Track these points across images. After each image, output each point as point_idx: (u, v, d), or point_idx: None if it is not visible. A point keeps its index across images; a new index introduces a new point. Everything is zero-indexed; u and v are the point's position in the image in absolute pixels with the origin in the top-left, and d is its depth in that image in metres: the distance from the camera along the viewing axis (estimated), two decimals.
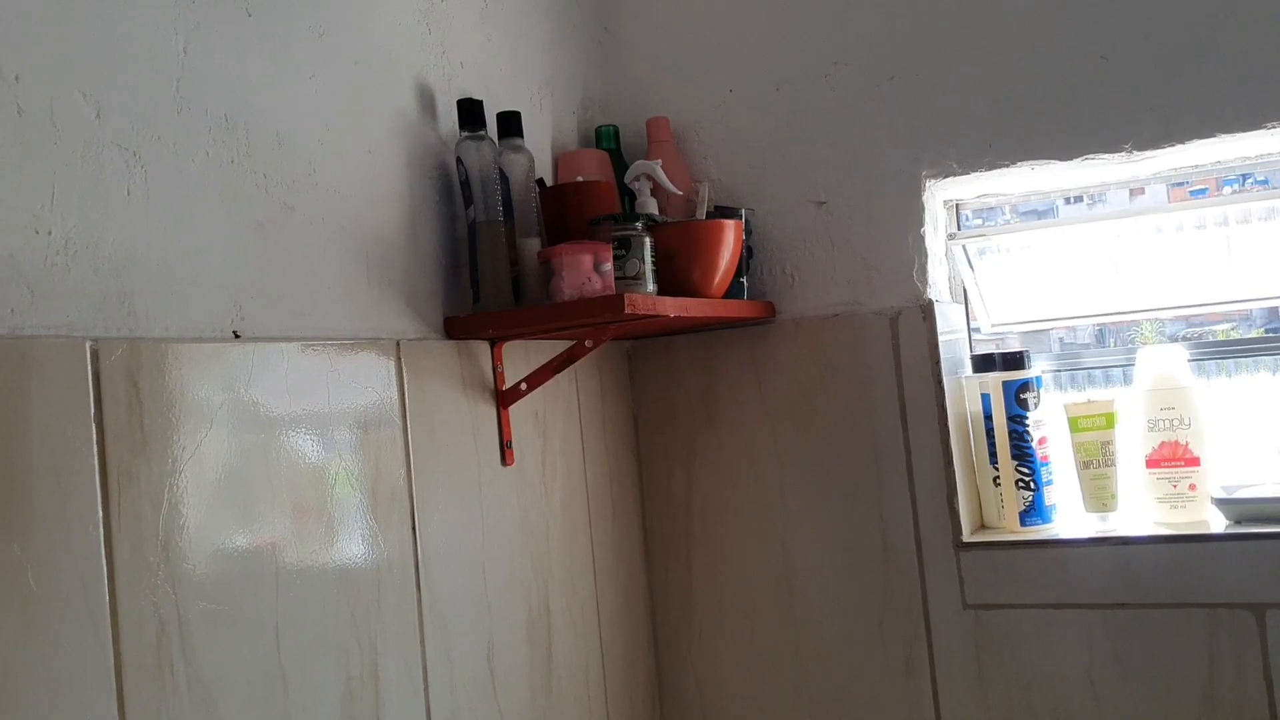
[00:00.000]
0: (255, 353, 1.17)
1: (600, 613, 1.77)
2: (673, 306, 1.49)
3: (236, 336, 1.16)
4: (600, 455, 1.82)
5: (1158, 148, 1.59)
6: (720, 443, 1.86)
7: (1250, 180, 1.78)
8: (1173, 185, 1.80)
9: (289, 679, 1.17)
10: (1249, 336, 1.90)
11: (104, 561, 0.99)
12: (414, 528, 1.38)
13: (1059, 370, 1.87)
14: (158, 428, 1.06)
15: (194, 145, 1.14)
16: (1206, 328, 1.94)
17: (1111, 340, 2.00)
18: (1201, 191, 1.80)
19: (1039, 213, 1.90)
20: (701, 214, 1.69)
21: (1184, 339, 1.89)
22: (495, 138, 1.53)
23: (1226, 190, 1.79)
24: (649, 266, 1.49)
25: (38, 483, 0.95)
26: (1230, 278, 1.75)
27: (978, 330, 1.91)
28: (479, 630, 1.48)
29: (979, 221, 1.89)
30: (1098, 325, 1.99)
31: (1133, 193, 1.84)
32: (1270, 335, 1.87)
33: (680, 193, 1.71)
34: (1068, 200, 1.88)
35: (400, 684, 1.33)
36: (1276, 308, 1.90)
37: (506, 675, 1.52)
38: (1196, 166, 1.68)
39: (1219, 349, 1.78)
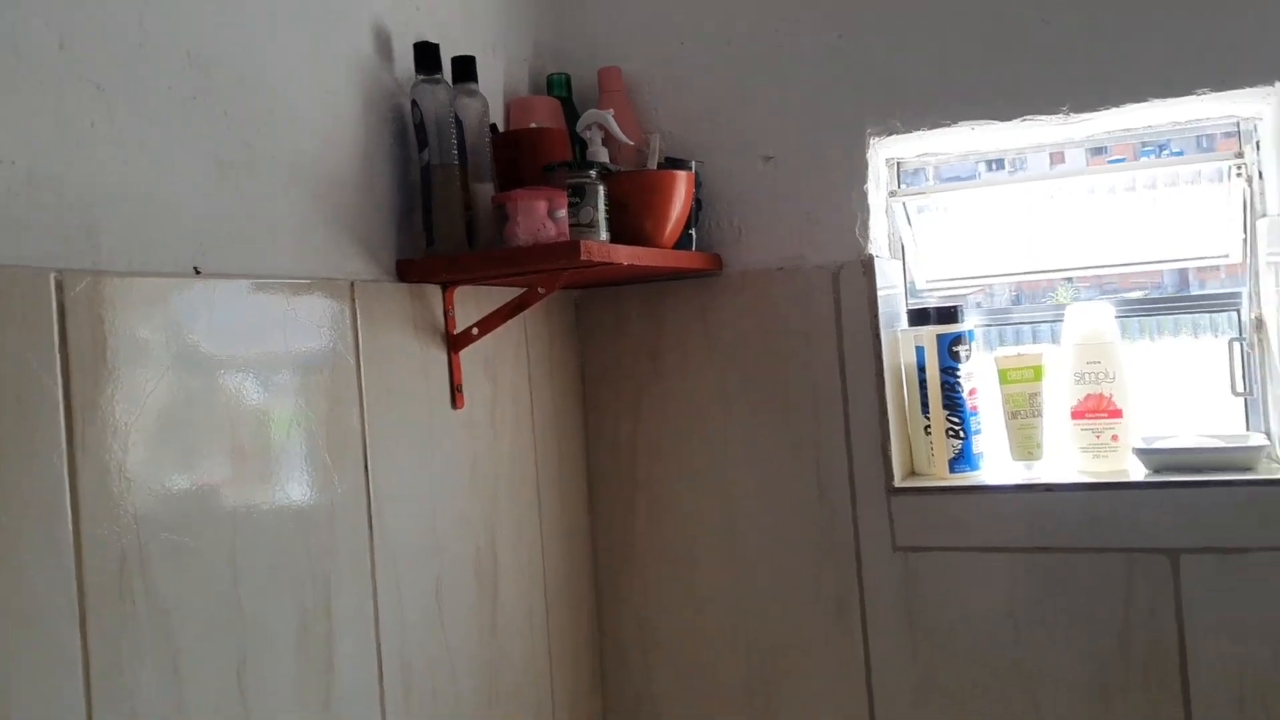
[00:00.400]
0: (216, 289, 1.18)
1: (545, 555, 1.81)
2: (626, 255, 1.52)
3: (197, 273, 1.17)
4: (548, 401, 1.85)
5: (1094, 110, 1.65)
6: (665, 391, 1.90)
7: (1166, 151, 1.85)
8: (1092, 153, 1.87)
9: (245, 611, 1.19)
10: (1167, 296, 1.99)
11: (68, 492, 1.00)
12: (366, 467, 1.40)
13: (989, 326, 1.94)
14: (121, 360, 1.06)
15: (157, 80, 1.14)
16: (1120, 293, 2.02)
17: (1027, 303, 2.07)
18: (1120, 160, 1.87)
19: (960, 178, 1.96)
20: (653, 165, 1.72)
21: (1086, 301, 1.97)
22: (450, 81, 1.54)
23: (1144, 159, 1.86)
24: (602, 215, 1.52)
25: (2, 412, 0.95)
26: (1149, 242, 1.83)
27: (912, 286, 1.97)
28: (428, 569, 1.51)
29: (903, 185, 1.94)
30: (1015, 288, 2.06)
31: (1053, 159, 1.91)
32: (1188, 296, 1.96)
33: (631, 143, 1.74)
34: (989, 166, 1.94)
35: (353, 619, 1.35)
36: (1187, 272, 1.98)
37: (454, 614, 1.55)
38: (1129, 130, 1.75)
39: (1143, 306, 1.87)
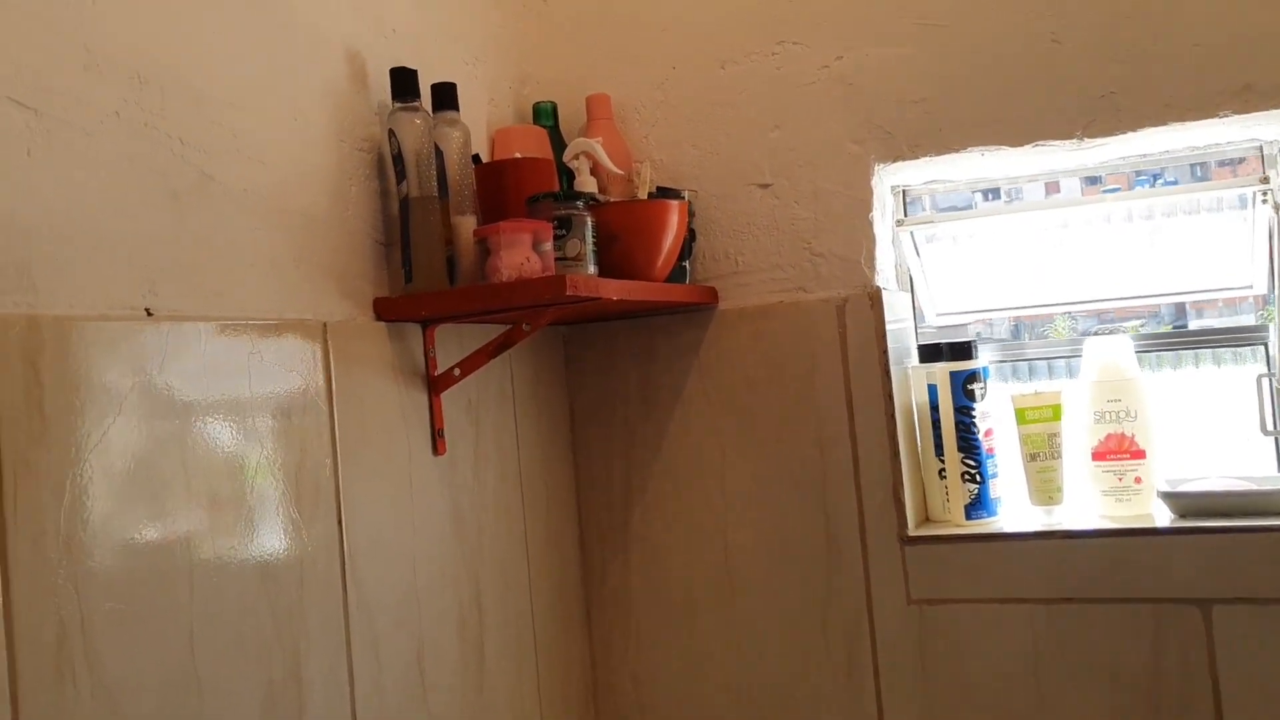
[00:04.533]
0: (170, 332, 1.08)
1: (534, 608, 1.70)
2: (615, 289, 1.42)
3: (149, 314, 1.07)
4: (535, 444, 1.75)
5: (1109, 135, 1.56)
6: (660, 432, 1.80)
7: (1160, 180, 1.77)
8: (1086, 183, 1.78)
9: (204, 683, 1.08)
10: (1167, 330, 1.90)
11: None
12: (340, 520, 1.29)
13: (1002, 361, 1.84)
14: (60, 412, 0.96)
15: (103, 106, 1.05)
16: (1118, 324, 1.94)
17: (1026, 334, 1.98)
18: (1114, 190, 1.79)
19: (956, 208, 1.87)
20: (643, 195, 1.63)
21: (1096, 334, 1.87)
22: (430, 110, 1.45)
23: (1138, 189, 1.77)
24: (590, 247, 1.43)
25: None
26: (1147, 273, 1.74)
27: (921, 319, 1.87)
28: (408, 628, 1.40)
29: (911, 213, 1.85)
30: (1014, 319, 1.96)
31: (1048, 189, 1.83)
32: (1211, 330, 1.86)
33: (621, 172, 1.65)
34: (985, 196, 1.86)
35: (325, 687, 1.24)
36: (1185, 304, 1.89)
37: (437, 675, 1.45)
38: (1145, 155, 1.66)
39: (1163, 341, 1.77)
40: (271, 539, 1.19)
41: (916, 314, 1.86)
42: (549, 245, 1.39)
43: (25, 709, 0.91)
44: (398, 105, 1.41)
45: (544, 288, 1.32)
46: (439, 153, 1.43)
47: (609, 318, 1.80)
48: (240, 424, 1.16)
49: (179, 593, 1.07)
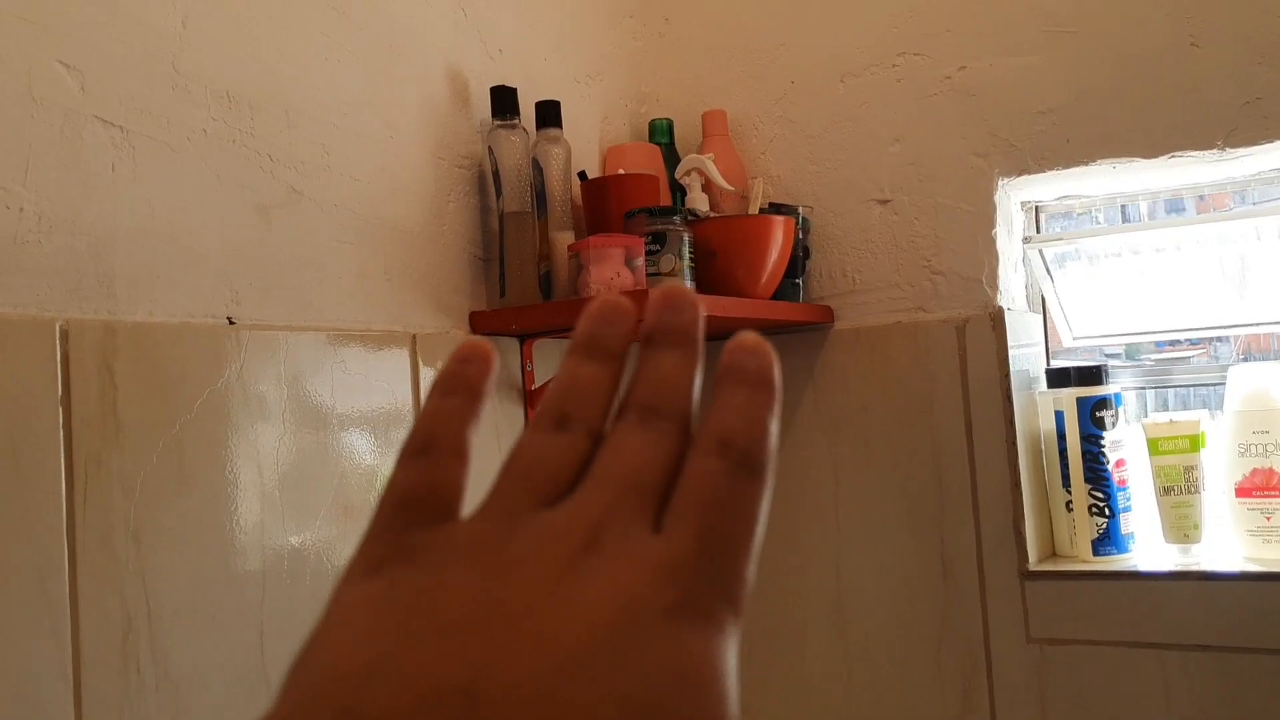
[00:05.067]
0: (251, 340, 1.12)
1: None
2: (709, 306, 1.40)
3: (231, 323, 1.11)
4: None
5: (1254, 144, 1.43)
6: None
7: None
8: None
9: (273, 683, 1.11)
10: None
11: (65, 552, 0.95)
12: None
13: (1144, 388, 1.71)
14: (133, 413, 1.01)
15: (191, 123, 1.10)
16: None
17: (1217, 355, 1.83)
18: None
19: (1118, 222, 1.76)
20: (754, 211, 1.60)
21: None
22: (534, 127, 1.47)
23: None
24: (686, 263, 1.40)
25: None
26: None
27: (1059, 345, 1.76)
28: None
29: (1044, 230, 1.75)
30: (1244, 346, 1.82)
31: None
32: None
33: (732, 188, 1.63)
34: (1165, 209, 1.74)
35: None
36: None
37: None
38: None
39: None
40: (350, 546, 1.21)
41: (1051, 338, 1.75)
42: (641, 260, 1.38)
43: (88, 697, 0.95)
44: (497, 123, 1.43)
45: None
46: (539, 169, 1.44)
47: (714, 336, 1.76)
48: (321, 431, 1.19)
49: (249, 593, 1.10)
